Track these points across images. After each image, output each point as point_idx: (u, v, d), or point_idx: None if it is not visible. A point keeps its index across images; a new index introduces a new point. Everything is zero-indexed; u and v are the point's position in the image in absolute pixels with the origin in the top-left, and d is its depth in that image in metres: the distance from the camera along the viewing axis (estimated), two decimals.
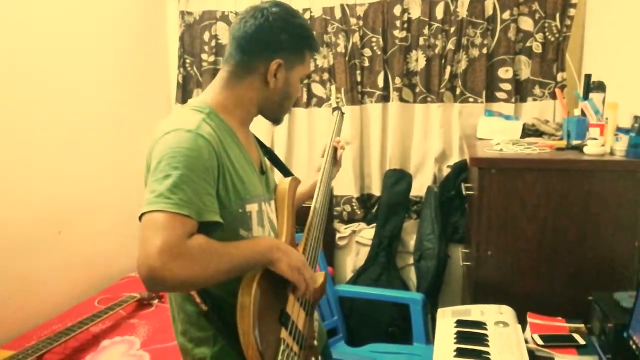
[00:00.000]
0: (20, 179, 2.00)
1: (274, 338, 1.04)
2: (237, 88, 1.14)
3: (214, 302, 1.07)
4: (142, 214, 0.92)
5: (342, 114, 1.63)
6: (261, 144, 1.32)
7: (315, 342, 1.24)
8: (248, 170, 1.13)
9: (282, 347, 1.03)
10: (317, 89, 2.68)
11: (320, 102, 2.69)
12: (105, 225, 2.40)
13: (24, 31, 2.01)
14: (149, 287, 0.90)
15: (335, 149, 1.50)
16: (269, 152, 1.36)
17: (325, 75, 2.64)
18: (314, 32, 2.56)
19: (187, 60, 2.82)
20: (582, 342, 1.41)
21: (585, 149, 1.67)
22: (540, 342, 1.41)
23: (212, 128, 1.05)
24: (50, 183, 2.13)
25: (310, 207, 1.32)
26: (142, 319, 2.04)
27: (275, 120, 1.26)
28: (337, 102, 1.64)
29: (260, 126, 2.61)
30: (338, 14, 2.55)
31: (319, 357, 1.25)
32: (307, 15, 2.61)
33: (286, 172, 1.39)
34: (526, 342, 1.42)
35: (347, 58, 2.58)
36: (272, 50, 1.12)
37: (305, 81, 2.65)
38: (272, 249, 1.05)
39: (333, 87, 1.72)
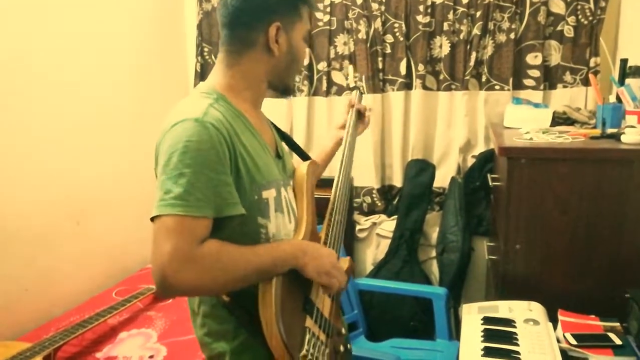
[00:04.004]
0: (38, 170, 1.99)
1: (298, 327, 0.99)
2: (241, 65, 1.08)
3: (236, 292, 1.02)
4: (156, 216, 0.89)
5: (361, 93, 1.58)
6: (277, 128, 1.27)
7: (343, 330, 1.20)
8: (263, 154, 1.07)
9: (307, 336, 0.99)
10: (337, 77, 2.61)
11: (340, 90, 2.62)
12: (123, 217, 2.39)
13: (42, 23, 1.99)
14: (163, 294, 0.89)
15: (359, 111, 1.49)
16: (285, 136, 1.30)
17: (346, 63, 2.57)
18: (335, 19, 2.54)
19: (205, 49, 2.78)
20: (618, 342, 1.33)
21: (622, 138, 1.57)
22: (573, 341, 1.34)
23: (221, 113, 1.00)
24: (68, 174, 2.12)
25: (329, 197, 1.27)
26: (160, 312, 2.01)
27: (286, 89, 1.18)
28: (355, 82, 1.60)
29: (278, 116, 2.58)
30: None
31: (348, 345, 1.20)
32: (327, 1, 2.54)
33: (304, 156, 1.33)
34: (558, 341, 1.35)
35: (368, 45, 2.50)
36: (266, 16, 1.05)
37: (325, 69, 2.59)
38: (296, 254, 1.01)
39: (350, 67, 1.69)
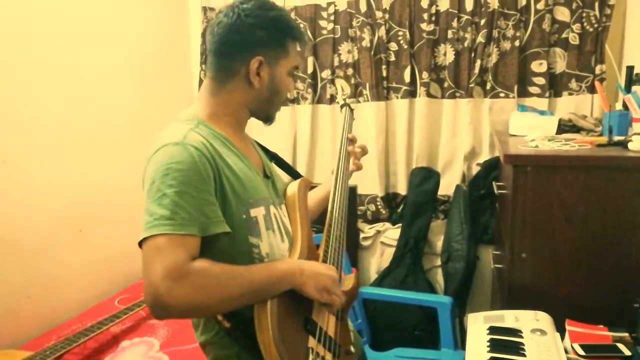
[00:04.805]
0: (40, 178, 1.99)
1: (301, 348, 0.98)
2: (223, 93, 1.09)
3: (238, 318, 1.01)
4: (144, 239, 0.89)
5: (352, 110, 1.58)
6: (264, 149, 1.27)
7: (352, 349, 1.18)
8: (249, 173, 1.07)
9: (311, 357, 0.98)
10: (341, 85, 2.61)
11: None
12: (125, 224, 2.37)
13: (45, 31, 2.00)
14: (157, 316, 0.87)
15: (350, 140, 1.46)
16: (274, 157, 1.31)
17: (350, 71, 2.56)
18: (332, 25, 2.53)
19: None
20: (627, 352, 1.31)
21: (630, 145, 1.55)
22: (581, 352, 1.31)
23: (203, 136, 1.01)
24: (70, 181, 2.11)
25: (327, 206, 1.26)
26: (162, 320, 1.99)
27: (267, 119, 1.18)
28: (344, 99, 1.60)
29: (281, 125, 2.57)
30: (363, 7, 2.47)
31: None
32: (331, 9, 2.54)
33: (295, 174, 1.33)
34: (566, 352, 1.32)
35: (372, 53, 2.49)
36: (250, 49, 1.06)
37: (329, 77, 2.58)
38: (294, 273, 1.00)
39: (339, 84, 1.68)
